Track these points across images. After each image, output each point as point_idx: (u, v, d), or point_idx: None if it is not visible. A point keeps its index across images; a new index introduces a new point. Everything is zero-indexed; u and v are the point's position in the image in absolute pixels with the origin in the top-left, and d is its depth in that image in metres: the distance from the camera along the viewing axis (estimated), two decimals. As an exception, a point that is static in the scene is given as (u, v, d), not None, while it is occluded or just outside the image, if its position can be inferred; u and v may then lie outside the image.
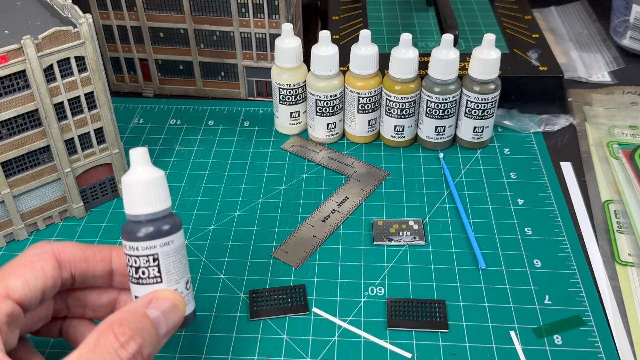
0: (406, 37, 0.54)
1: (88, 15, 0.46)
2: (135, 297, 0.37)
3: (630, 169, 0.56)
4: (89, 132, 0.50)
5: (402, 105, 0.57)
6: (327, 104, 0.58)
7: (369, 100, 0.57)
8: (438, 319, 0.44)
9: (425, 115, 0.58)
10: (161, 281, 0.36)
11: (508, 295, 0.46)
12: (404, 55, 0.54)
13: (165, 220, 0.36)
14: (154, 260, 0.36)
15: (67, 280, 0.37)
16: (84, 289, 0.40)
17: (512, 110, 0.63)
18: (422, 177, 0.57)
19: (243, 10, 0.61)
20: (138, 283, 0.37)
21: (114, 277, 0.39)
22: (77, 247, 0.38)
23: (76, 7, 0.46)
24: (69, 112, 0.48)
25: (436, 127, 0.58)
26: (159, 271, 0.36)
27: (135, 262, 0.36)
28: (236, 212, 0.54)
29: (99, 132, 0.51)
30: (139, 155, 0.36)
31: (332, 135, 0.60)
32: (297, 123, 0.61)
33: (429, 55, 0.57)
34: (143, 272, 0.36)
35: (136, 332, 0.33)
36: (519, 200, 0.54)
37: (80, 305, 0.40)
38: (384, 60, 0.59)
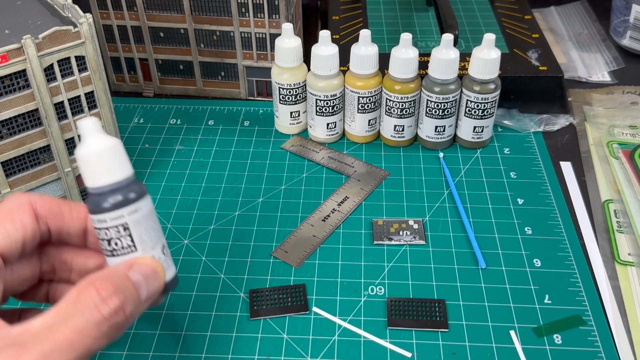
0: (406, 37, 0.54)
1: (88, 15, 0.46)
2: None
3: (630, 169, 0.56)
4: (89, 132, 0.50)
5: (402, 105, 0.57)
6: (327, 103, 0.58)
7: (369, 100, 0.57)
8: (438, 319, 0.44)
9: (425, 115, 0.58)
10: (136, 250, 0.35)
11: (508, 295, 0.46)
12: (404, 55, 0.55)
13: (129, 188, 0.35)
14: (125, 229, 0.35)
15: (44, 234, 0.36)
16: (73, 252, 0.38)
17: (512, 110, 0.63)
18: (422, 177, 0.57)
19: (243, 10, 0.61)
20: (113, 255, 0.35)
21: (88, 237, 0.38)
22: (53, 201, 0.36)
23: (76, 7, 0.46)
24: (69, 112, 0.48)
25: (436, 127, 0.58)
26: (132, 240, 0.35)
27: (106, 234, 0.35)
28: (236, 212, 0.54)
29: (99, 131, 0.51)
30: (90, 125, 0.34)
31: (332, 135, 0.60)
32: (297, 123, 0.61)
33: (429, 55, 0.57)
34: (116, 244, 0.35)
35: (118, 289, 0.32)
36: (519, 199, 0.54)
37: (67, 269, 0.38)
38: (384, 60, 0.59)
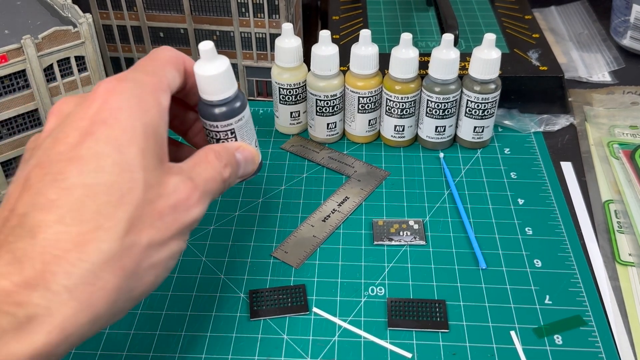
0: (406, 37, 0.54)
1: (88, 15, 0.46)
2: None
3: (631, 169, 0.56)
4: (89, 132, 0.50)
5: (403, 105, 0.57)
6: (327, 103, 0.58)
7: (369, 100, 0.57)
8: (438, 319, 0.44)
9: (426, 115, 0.57)
10: None
11: (508, 295, 0.46)
12: (404, 55, 0.54)
13: (236, 100, 0.42)
14: (232, 133, 0.42)
15: (181, 91, 0.40)
16: (195, 116, 0.44)
17: (512, 110, 0.63)
18: (422, 177, 0.57)
19: (243, 10, 0.61)
20: None
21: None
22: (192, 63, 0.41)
23: (76, 7, 0.46)
24: (69, 112, 0.48)
25: (436, 127, 0.58)
26: (235, 139, 0.43)
27: (216, 135, 0.42)
28: (236, 212, 0.53)
29: (99, 131, 0.51)
30: (209, 50, 0.40)
31: (332, 135, 0.60)
32: (297, 123, 0.61)
33: (429, 55, 0.57)
34: (223, 142, 0.43)
35: (228, 163, 0.39)
36: (519, 200, 0.54)
37: (186, 125, 0.45)
38: (384, 60, 0.59)
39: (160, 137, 0.35)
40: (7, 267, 0.29)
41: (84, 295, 0.30)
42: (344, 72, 0.59)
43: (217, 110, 0.41)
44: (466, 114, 0.57)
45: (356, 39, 0.56)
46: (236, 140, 0.43)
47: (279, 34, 0.60)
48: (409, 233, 0.51)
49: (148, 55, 0.40)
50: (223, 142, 0.42)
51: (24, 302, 0.28)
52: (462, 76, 0.57)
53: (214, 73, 0.40)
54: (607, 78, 0.70)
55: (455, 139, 0.60)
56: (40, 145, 0.34)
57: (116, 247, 0.31)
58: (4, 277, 0.29)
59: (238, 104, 0.42)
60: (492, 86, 0.56)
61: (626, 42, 0.74)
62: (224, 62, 0.40)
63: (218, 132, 0.42)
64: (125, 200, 0.32)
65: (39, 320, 0.28)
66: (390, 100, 0.57)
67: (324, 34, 0.56)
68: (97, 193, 0.31)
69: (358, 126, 0.59)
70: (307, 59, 0.59)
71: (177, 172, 0.35)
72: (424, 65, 0.61)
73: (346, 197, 0.55)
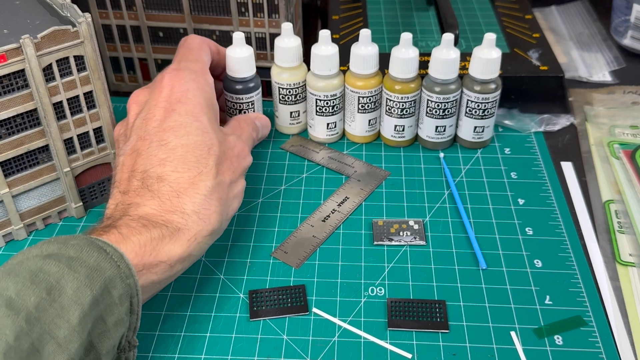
0: (406, 37, 0.54)
1: (87, 15, 0.46)
2: None
3: (631, 169, 0.56)
4: (88, 132, 0.50)
5: (403, 105, 0.57)
6: (327, 103, 0.58)
7: (369, 100, 0.57)
8: (438, 319, 0.44)
9: (426, 115, 0.57)
10: None
11: (509, 296, 0.46)
12: (405, 55, 0.54)
13: (252, 81, 0.56)
14: (252, 104, 0.57)
15: (210, 66, 0.53)
16: (219, 86, 0.57)
17: (512, 110, 0.63)
18: (422, 177, 0.57)
19: (243, 9, 0.61)
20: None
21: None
22: (213, 43, 0.55)
23: (75, 7, 0.46)
24: (68, 112, 0.48)
25: (436, 127, 0.58)
26: (254, 110, 0.57)
27: (240, 106, 0.57)
28: (236, 212, 0.53)
29: (98, 131, 0.51)
30: (240, 39, 0.54)
31: (332, 135, 0.60)
32: (297, 123, 0.61)
33: (429, 54, 0.57)
34: (244, 112, 0.57)
35: (254, 128, 0.53)
36: (519, 200, 0.54)
37: (217, 92, 0.55)
38: (384, 60, 0.59)
39: (215, 107, 0.49)
40: (151, 201, 0.41)
41: (204, 216, 0.42)
42: (343, 72, 0.59)
43: (238, 86, 0.55)
44: (466, 114, 0.57)
45: (356, 39, 0.56)
46: (254, 111, 0.57)
47: (279, 34, 0.60)
48: (409, 233, 0.51)
49: (183, 45, 0.52)
50: (244, 112, 0.56)
51: (169, 220, 0.41)
52: (462, 76, 0.57)
53: (241, 56, 0.54)
54: (608, 78, 0.70)
55: (455, 138, 0.60)
56: (132, 126, 0.46)
57: (214, 184, 0.43)
58: (150, 207, 0.41)
59: (253, 85, 0.56)
60: (493, 86, 0.56)
61: (627, 41, 0.74)
62: (249, 49, 0.55)
63: (235, 102, 0.56)
64: (211, 153, 0.44)
65: (182, 231, 0.41)
66: (390, 100, 0.57)
67: (324, 34, 0.55)
68: (192, 149, 0.44)
69: (358, 126, 0.59)
70: (306, 58, 0.58)
71: (230, 133, 0.48)
72: (424, 65, 0.61)
73: (346, 197, 0.54)
